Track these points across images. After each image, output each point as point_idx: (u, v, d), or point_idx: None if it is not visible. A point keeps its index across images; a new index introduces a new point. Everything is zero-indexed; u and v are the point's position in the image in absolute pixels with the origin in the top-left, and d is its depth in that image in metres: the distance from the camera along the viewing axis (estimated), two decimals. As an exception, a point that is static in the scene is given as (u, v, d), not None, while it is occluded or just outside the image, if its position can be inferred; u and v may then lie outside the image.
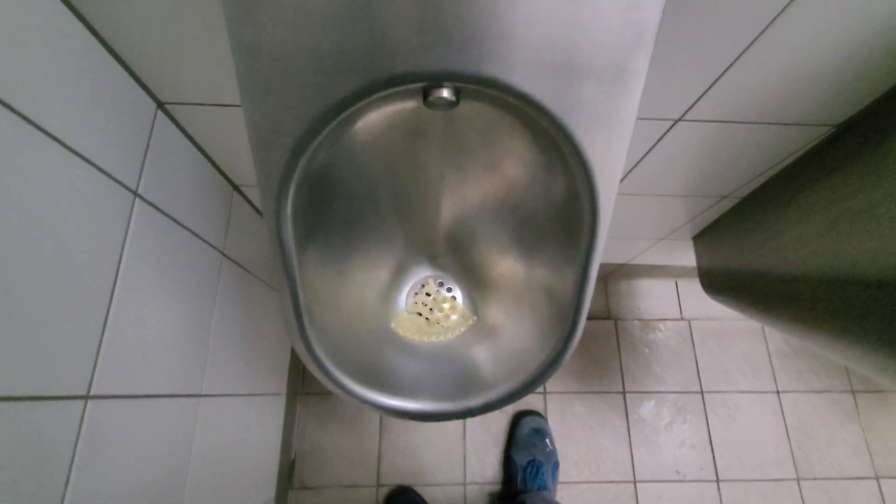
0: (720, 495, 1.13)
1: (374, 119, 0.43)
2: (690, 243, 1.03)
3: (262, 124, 0.37)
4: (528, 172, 0.48)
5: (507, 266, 0.61)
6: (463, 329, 0.66)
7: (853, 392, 1.24)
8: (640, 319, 1.28)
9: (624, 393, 1.20)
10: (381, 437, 1.12)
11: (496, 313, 0.63)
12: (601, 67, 0.36)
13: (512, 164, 0.49)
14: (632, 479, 1.13)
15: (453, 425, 1.14)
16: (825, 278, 0.62)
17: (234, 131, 0.61)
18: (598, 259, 0.46)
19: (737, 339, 1.27)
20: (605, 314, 1.28)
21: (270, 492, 0.95)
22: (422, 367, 0.60)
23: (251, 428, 0.82)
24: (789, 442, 1.18)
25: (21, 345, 0.35)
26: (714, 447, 1.17)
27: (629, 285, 1.32)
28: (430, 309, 0.66)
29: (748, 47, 0.46)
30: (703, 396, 1.21)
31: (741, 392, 1.22)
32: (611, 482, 1.12)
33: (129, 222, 0.46)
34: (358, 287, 0.61)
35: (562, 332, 0.51)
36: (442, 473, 1.10)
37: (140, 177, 0.49)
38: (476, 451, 1.12)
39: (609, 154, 0.40)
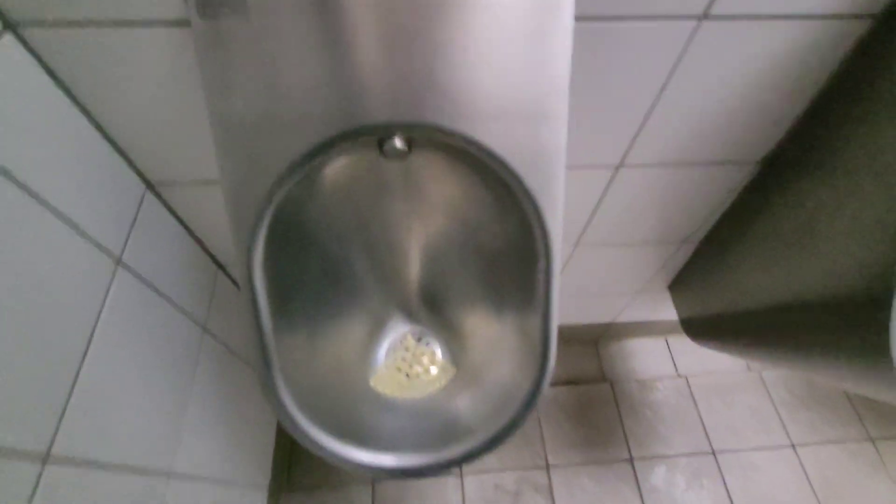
0: (757, 573, 1.01)
1: (338, 173, 0.48)
2: (667, 294, 1.06)
3: (235, 179, 0.42)
4: (483, 212, 0.53)
5: (480, 313, 0.62)
6: (444, 381, 0.65)
7: (872, 440, 1.17)
8: (636, 380, 1.25)
9: (631, 460, 1.13)
10: (375, 535, 1.02)
11: (474, 362, 0.63)
12: (528, 112, 0.43)
13: (468, 207, 0.53)
14: (656, 561, 1.02)
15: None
16: (780, 306, 0.65)
17: (219, 209, 0.66)
18: (557, 282, 0.48)
19: (738, 392, 1.23)
20: (601, 378, 1.25)
21: None
22: (402, 423, 0.59)
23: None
24: (817, 499, 1.09)
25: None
26: (739, 515, 1.07)
27: (620, 347, 1.31)
28: (410, 364, 0.66)
29: (659, 95, 0.54)
30: (715, 457, 1.14)
31: (755, 449, 1.15)
32: (633, 567, 1.01)
33: (109, 286, 0.49)
34: (334, 344, 0.61)
35: (536, 366, 0.51)
36: (444, 573, 0.98)
37: (125, 246, 0.52)
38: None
39: (549, 184, 0.45)
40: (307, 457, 1.11)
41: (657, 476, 1.11)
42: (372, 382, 0.65)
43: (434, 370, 0.66)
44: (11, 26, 0.40)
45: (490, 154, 0.43)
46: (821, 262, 0.56)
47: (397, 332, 0.69)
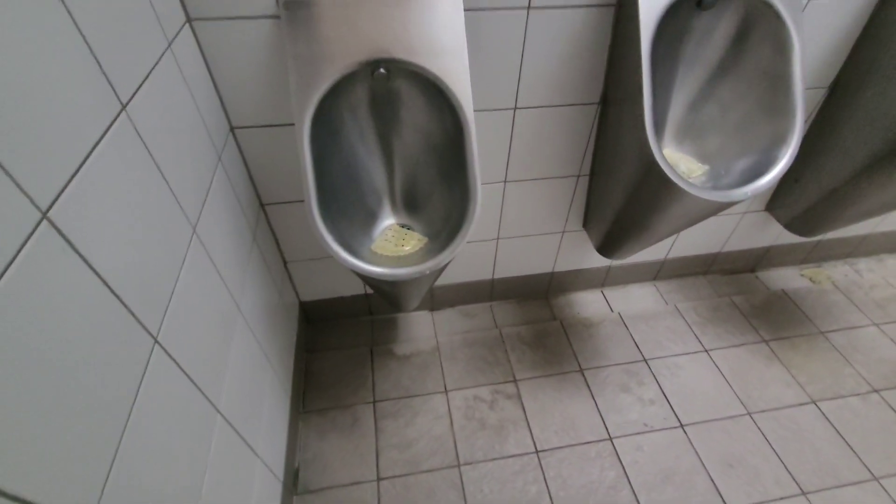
0: (688, 437, 1.26)
1: (350, 93, 0.88)
2: (584, 234, 1.43)
3: (298, 87, 0.81)
4: (431, 119, 0.92)
5: (438, 193, 0.99)
6: (419, 247, 0.99)
7: (766, 341, 1.49)
8: (580, 318, 1.56)
9: (581, 371, 1.40)
10: (378, 437, 1.23)
11: (437, 227, 0.98)
12: (444, 51, 0.85)
13: (422, 119, 0.93)
14: (607, 436, 1.25)
15: (441, 421, 1.27)
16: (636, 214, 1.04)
17: (273, 150, 1.04)
18: (475, 147, 0.86)
19: (659, 319, 1.56)
20: (552, 318, 1.56)
21: (276, 500, 1.04)
22: (391, 262, 0.92)
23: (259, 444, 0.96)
24: (730, 386, 1.37)
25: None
26: (669, 400, 1.34)
27: (566, 298, 1.64)
28: (395, 243, 1.00)
29: (521, 56, 0.98)
30: (647, 363, 1.43)
31: (677, 355, 1.45)
32: (589, 443, 1.24)
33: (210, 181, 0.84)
34: (348, 219, 0.95)
35: (469, 202, 0.87)
36: (437, 460, 1.19)
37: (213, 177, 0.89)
38: (464, 436, 1.24)
39: (461, 86, 0.85)
40: (318, 386, 1.34)
41: (602, 379, 1.38)
42: (372, 247, 0.98)
43: (413, 243, 1.00)
44: (189, 20, 0.81)
45: (426, 71, 0.84)
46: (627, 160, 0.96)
47: (386, 222, 1.04)
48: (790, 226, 1.44)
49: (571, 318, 1.57)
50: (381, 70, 0.85)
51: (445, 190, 0.98)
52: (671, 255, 1.62)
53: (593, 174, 1.24)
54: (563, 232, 1.42)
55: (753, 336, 1.51)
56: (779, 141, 0.89)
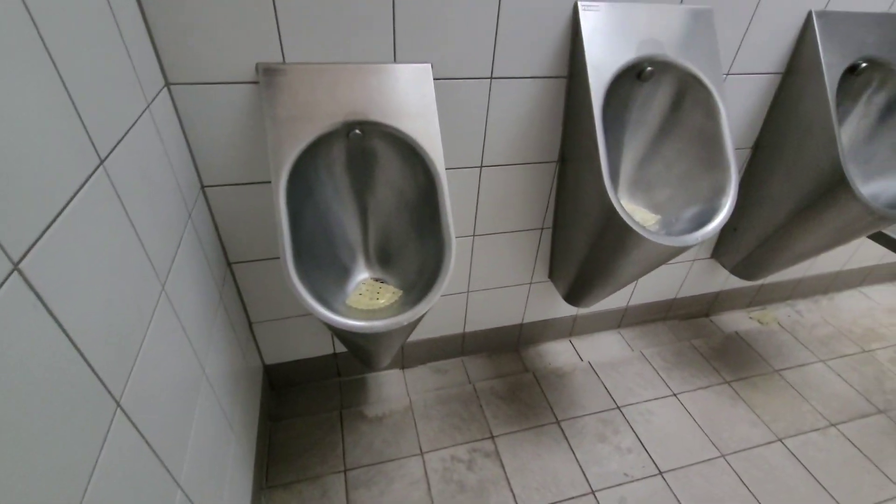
0: (668, 485, 1.24)
1: (326, 153, 0.91)
2: (551, 284, 1.48)
3: (274, 146, 0.83)
4: (404, 177, 0.96)
5: (411, 247, 1.01)
6: (393, 300, 0.99)
7: (728, 382, 1.55)
8: (552, 369, 1.57)
9: (558, 422, 1.39)
10: (351, 510, 1.14)
11: (411, 279, 0.99)
12: (416, 114, 0.91)
13: (396, 176, 0.97)
14: (589, 490, 1.22)
15: (418, 486, 1.20)
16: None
17: (243, 209, 1.03)
18: (447, 201, 0.90)
19: (627, 365, 1.59)
20: (524, 370, 1.56)
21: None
22: (366, 315, 0.91)
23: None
24: (701, 429, 1.39)
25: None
26: (646, 447, 1.33)
27: (537, 350, 1.65)
28: (369, 296, 1.00)
29: (486, 118, 1.06)
30: (620, 410, 1.43)
31: (648, 401, 1.47)
32: (572, 498, 1.20)
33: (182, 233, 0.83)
34: (322, 273, 0.95)
35: (444, 252, 0.90)
36: (416, 531, 1.11)
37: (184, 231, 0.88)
38: (443, 501, 1.17)
39: (433, 146, 0.90)
40: (283, 457, 1.24)
41: (580, 429, 1.37)
42: (346, 302, 0.97)
43: (387, 296, 1.00)
44: (167, 84, 0.83)
45: (400, 132, 0.89)
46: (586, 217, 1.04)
47: (360, 276, 1.04)
48: (735, 271, 1.56)
49: (543, 369, 1.57)
50: (357, 131, 0.89)
51: (419, 244, 1.00)
52: (632, 303, 1.69)
53: (556, 226, 1.31)
54: (531, 283, 1.46)
55: (716, 378, 1.57)
56: (719, 192, 1.00)
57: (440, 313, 1.43)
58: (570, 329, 1.69)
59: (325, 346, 1.39)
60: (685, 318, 1.84)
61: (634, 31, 0.97)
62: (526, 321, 1.58)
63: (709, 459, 1.32)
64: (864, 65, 1.15)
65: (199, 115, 0.88)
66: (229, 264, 1.11)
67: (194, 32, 0.80)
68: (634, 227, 0.90)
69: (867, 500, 1.24)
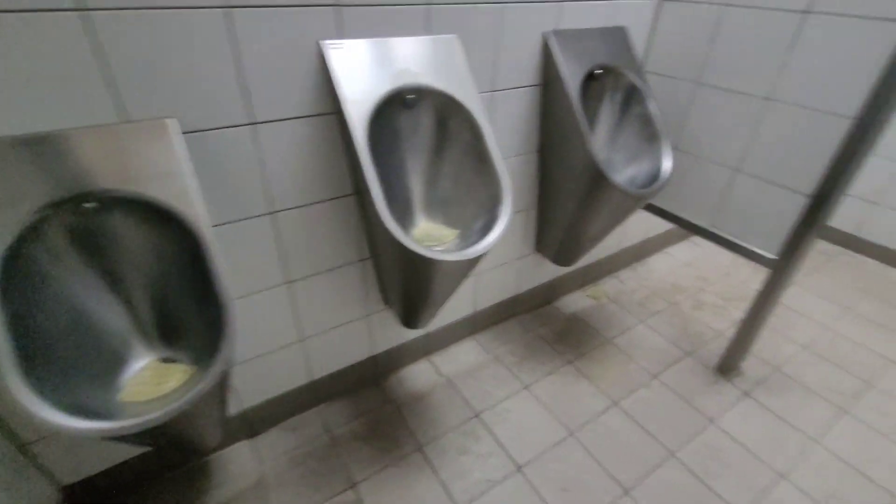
0: (526, 477, 1.30)
1: (54, 237, 0.78)
2: (389, 311, 1.47)
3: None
4: (163, 243, 0.87)
5: (197, 316, 0.91)
6: (185, 379, 0.88)
7: (571, 362, 1.69)
8: (412, 393, 1.56)
9: (421, 448, 1.37)
10: None
11: (202, 353, 0.89)
12: (170, 173, 0.83)
13: (154, 244, 0.87)
14: (455, 508, 1.22)
15: None
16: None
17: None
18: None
19: (484, 369, 1.65)
20: (385, 402, 1.53)
21: None
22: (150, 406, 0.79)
23: None
24: (552, 413, 1.49)
25: None
26: (505, 446, 1.39)
27: (397, 377, 1.63)
28: (154, 380, 0.88)
29: (263, 163, 1.01)
30: (479, 417, 1.47)
31: (503, 400, 1.54)
32: (439, 523, 1.19)
33: None
34: (76, 376, 0.81)
35: (226, 325, 0.82)
36: None
37: None
38: None
39: (193, 207, 0.83)
40: None
41: (442, 449, 1.37)
42: (120, 398, 0.84)
43: (178, 376, 0.89)
44: None
45: (143, 196, 0.80)
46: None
47: (141, 362, 0.91)
48: (556, 260, 1.71)
49: (404, 395, 1.56)
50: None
51: (202, 310, 0.91)
52: (479, 307, 1.77)
53: (373, 255, 1.31)
54: (368, 315, 1.44)
55: (560, 360, 1.70)
56: (497, 202, 1.07)
57: (276, 369, 1.34)
58: (426, 347, 1.70)
59: (129, 449, 1.19)
60: (531, 309, 1.98)
61: (388, 62, 1.01)
62: (378, 351, 1.55)
63: (560, 441, 1.41)
64: (599, 71, 1.35)
65: None
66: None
67: None
68: (417, 250, 0.92)
69: (686, 435, 1.43)
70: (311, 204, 1.13)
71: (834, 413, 1.52)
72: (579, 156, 1.28)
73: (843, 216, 2.38)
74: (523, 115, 1.38)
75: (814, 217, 1.27)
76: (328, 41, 0.95)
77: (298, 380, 1.41)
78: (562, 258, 1.67)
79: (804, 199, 1.28)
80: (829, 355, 1.75)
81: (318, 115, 1.02)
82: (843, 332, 1.87)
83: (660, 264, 2.30)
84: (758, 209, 1.40)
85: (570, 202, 1.42)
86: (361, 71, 0.98)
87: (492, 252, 1.59)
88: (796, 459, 1.38)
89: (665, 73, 1.53)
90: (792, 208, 1.30)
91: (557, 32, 1.28)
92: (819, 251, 2.40)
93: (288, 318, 1.26)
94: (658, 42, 1.52)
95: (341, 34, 0.97)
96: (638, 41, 1.50)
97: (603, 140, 1.48)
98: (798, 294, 2.07)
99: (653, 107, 1.38)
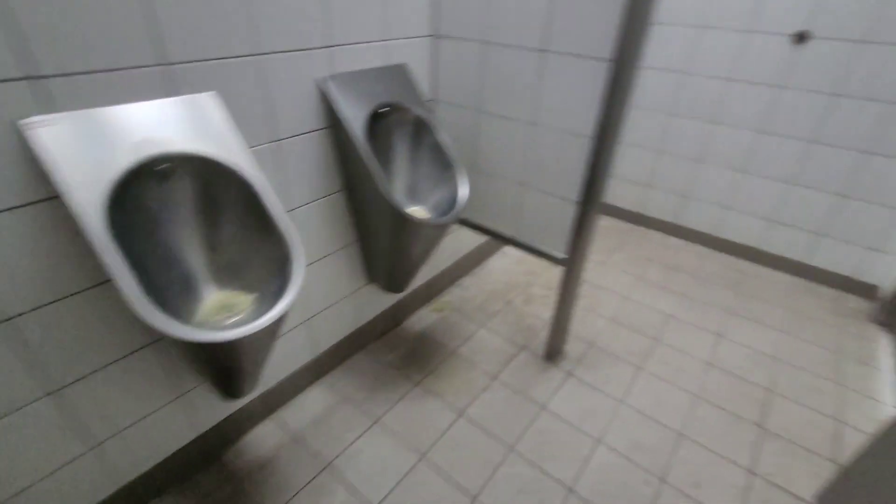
0: None
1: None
2: (202, 389, 1.34)
3: None
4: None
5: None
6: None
7: (418, 384, 1.74)
8: (259, 464, 1.45)
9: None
10: None
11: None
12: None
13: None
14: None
15: None
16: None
17: None
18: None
19: (333, 413, 1.61)
20: (223, 482, 1.39)
21: None
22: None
23: None
24: (404, 440, 1.52)
25: None
26: (359, 489, 1.37)
27: (238, 448, 1.50)
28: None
29: None
30: (331, 467, 1.43)
31: (353, 441, 1.52)
32: None
33: None
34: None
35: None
36: None
37: None
38: None
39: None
40: None
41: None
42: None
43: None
44: None
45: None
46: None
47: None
48: (388, 289, 1.74)
49: (246, 467, 1.44)
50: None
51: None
52: (322, 349, 1.72)
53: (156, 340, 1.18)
54: (183, 394, 1.30)
55: (408, 384, 1.74)
56: (286, 261, 1.03)
57: (63, 489, 1.12)
58: (268, 406, 1.60)
59: None
60: (380, 336, 1.99)
61: (124, 133, 0.90)
62: (206, 429, 1.41)
63: (412, 468, 1.44)
64: (384, 109, 1.39)
65: None
66: None
67: None
68: (199, 339, 0.84)
69: (522, 427, 1.58)
70: (53, 302, 0.97)
71: (633, 373, 1.82)
72: (377, 194, 1.31)
73: (628, 199, 2.86)
74: (319, 158, 1.36)
75: (585, 219, 1.49)
76: (31, 119, 0.81)
77: (99, 493, 1.21)
78: (393, 286, 1.71)
79: (574, 205, 1.49)
80: (628, 322, 2.09)
81: (31, 203, 0.87)
82: (637, 298, 2.25)
83: (496, 265, 2.50)
84: (544, 217, 1.59)
85: (382, 236, 1.45)
86: (88, 148, 0.85)
87: (317, 294, 1.57)
88: (609, 423, 1.62)
89: (454, 102, 1.64)
90: (567, 214, 1.51)
91: (334, 76, 1.29)
92: (617, 230, 2.85)
93: (76, 432, 1.07)
94: (442, 75, 1.62)
95: (51, 108, 0.84)
96: (422, 75, 1.59)
97: (405, 170, 1.54)
98: (603, 272, 2.43)
99: (442, 136, 1.47)
